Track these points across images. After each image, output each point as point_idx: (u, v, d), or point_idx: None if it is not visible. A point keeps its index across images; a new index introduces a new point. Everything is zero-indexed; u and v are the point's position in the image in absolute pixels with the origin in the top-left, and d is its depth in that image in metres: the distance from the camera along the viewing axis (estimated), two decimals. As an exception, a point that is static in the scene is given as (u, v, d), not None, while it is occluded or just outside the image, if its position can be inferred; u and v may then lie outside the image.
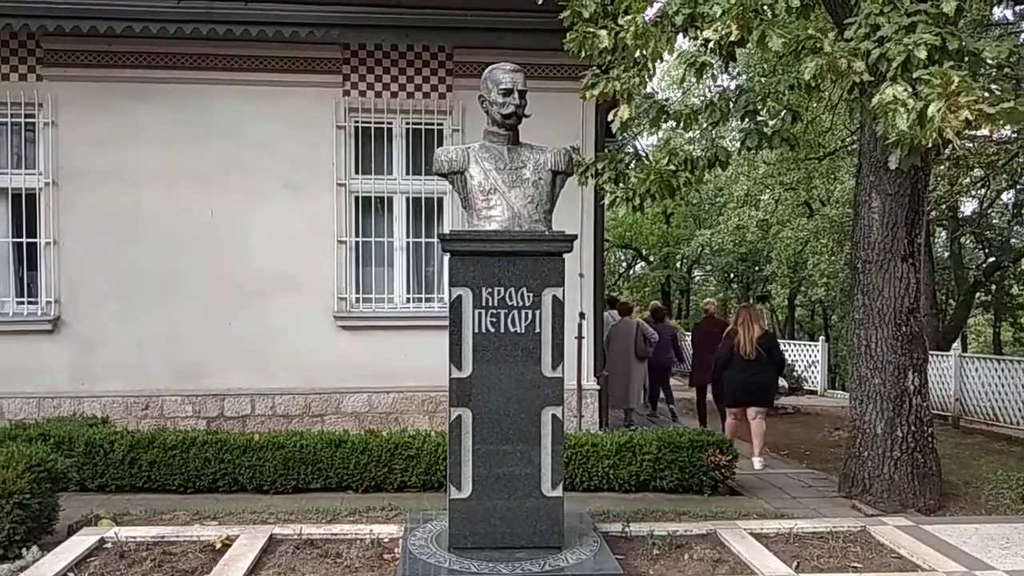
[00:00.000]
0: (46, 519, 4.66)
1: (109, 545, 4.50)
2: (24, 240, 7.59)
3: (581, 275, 7.85)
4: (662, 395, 11.43)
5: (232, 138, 7.64)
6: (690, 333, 12.40)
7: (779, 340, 10.47)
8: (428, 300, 8.11)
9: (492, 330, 3.93)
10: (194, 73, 7.60)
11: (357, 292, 7.98)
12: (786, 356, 10.70)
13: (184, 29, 7.19)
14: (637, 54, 4.36)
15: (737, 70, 16.32)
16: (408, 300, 8.09)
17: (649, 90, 5.34)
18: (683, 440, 6.42)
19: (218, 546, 4.46)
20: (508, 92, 4.00)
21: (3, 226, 7.58)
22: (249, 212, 7.71)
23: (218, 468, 6.02)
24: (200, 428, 7.30)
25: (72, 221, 7.53)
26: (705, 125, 5.08)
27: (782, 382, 8.53)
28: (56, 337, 7.55)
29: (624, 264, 32.41)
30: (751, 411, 7.84)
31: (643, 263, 30.51)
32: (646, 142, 23.69)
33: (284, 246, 7.74)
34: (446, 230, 7.91)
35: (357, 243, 7.98)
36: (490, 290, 3.92)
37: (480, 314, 3.93)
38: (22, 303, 7.64)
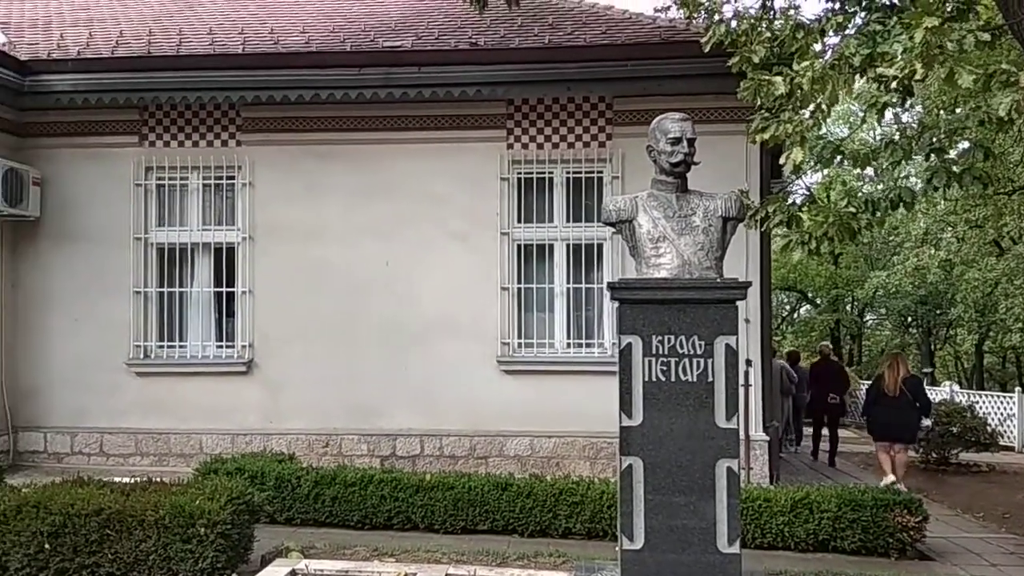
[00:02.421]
0: (243, 549, 5.02)
1: (299, 576, 4.80)
2: (224, 290, 8.39)
3: (747, 321, 7.59)
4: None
5: (406, 193, 8.12)
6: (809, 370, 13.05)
7: (963, 390, 11.13)
8: (588, 346, 8.14)
9: (663, 379, 3.90)
10: (372, 134, 8.17)
11: (519, 337, 8.16)
12: (976, 409, 12.06)
13: (364, 95, 7.79)
14: (816, 98, 4.26)
15: (909, 103, 15.41)
16: (568, 345, 8.17)
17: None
18: (866, 498, 6.02)
19: (397, 582, 4.63)
20: (677, 141, 4.02)
21: (207, 277, 8.43)
22: (420, 262, 8.12)
23: (393, 506, 6.28)
24: (374, 466, 7.66)
25: (264, 272, 8.25)
26: (885, 164, 4.86)
27: (927, 422, 9.56)
28: (249, 378, 8.24)
29: (788, 307, 31.01)
30: (896, 446, 8.80)
31: (809, 306, 29.06)
32: (809, 180, 22.78)
33: (452, 293, 8.07)
34: (606, 276, 8.00)
35: (519, 289, 8.18)
36: (660, 338, 3.91)
37: (650, 362, 3.92)
38: (221, 347, 8.42)
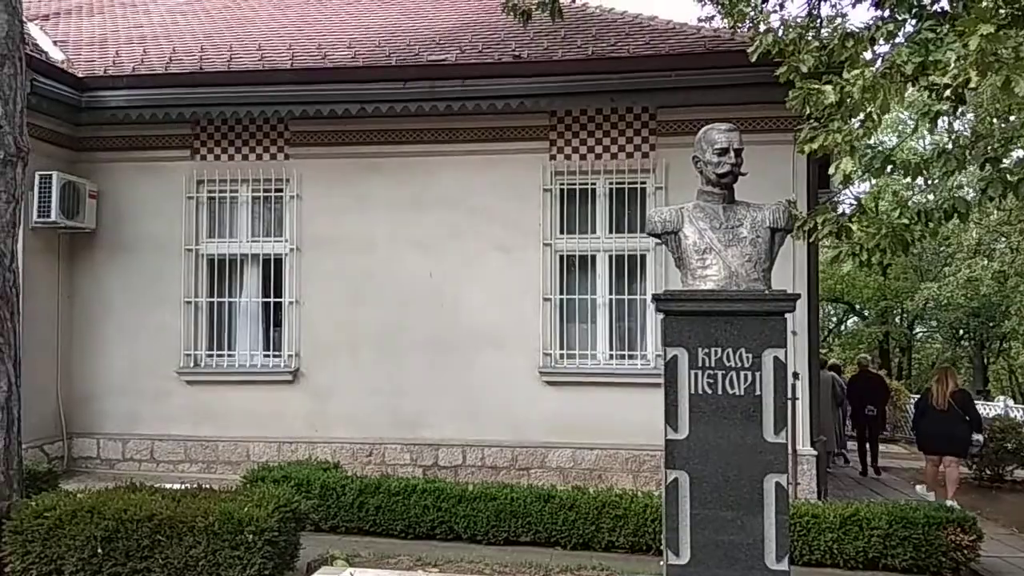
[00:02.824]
0: (290, 556, 5.08)
1: (344, 584, 4.84)
2: (271, 300, 8.54)
3: (794, 333, 7.47)
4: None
5: (450, 204, 8.19)
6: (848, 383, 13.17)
7: (1018, 405, 11.08)
8: (631, 357, 8.09)
9: (709, 391, 3.86)
10: (417, 147, 8.27)
11: (561, 348, 8.15)
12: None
13: (409, 108, 7.89)
14: (867, 107, 4.19)
15: (960, 111, 15.06)
16: (611, 357, 8.13)
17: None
18: (918, 516, 5.86)
19: (440, 593, 4.65)
20: (723, 151, 3.99)
21: (255, 288, 8.59)
22: (463, 272, 8.17)
23: (436, 516, 6.31)
24: (417, 475, 7.71)
25: (311, 282, 8.38)
26: (939, 174, 4.76)
27: (978, 437, 9.31)
28: (295, 387, 8.36)
29: (835, 319, 30.43)
30: (947, 459, 8.80)
31: (856, 318, 28.47)
32: (856, 190, 22.35)
33: (494, 304, 8.10)
34: (649, 287, 7.95)
35: (561, 300, 8.18)
36: (707, 351, 3.87)
37: (696, 375, 3.88)
38: (268, 356, 8.57)
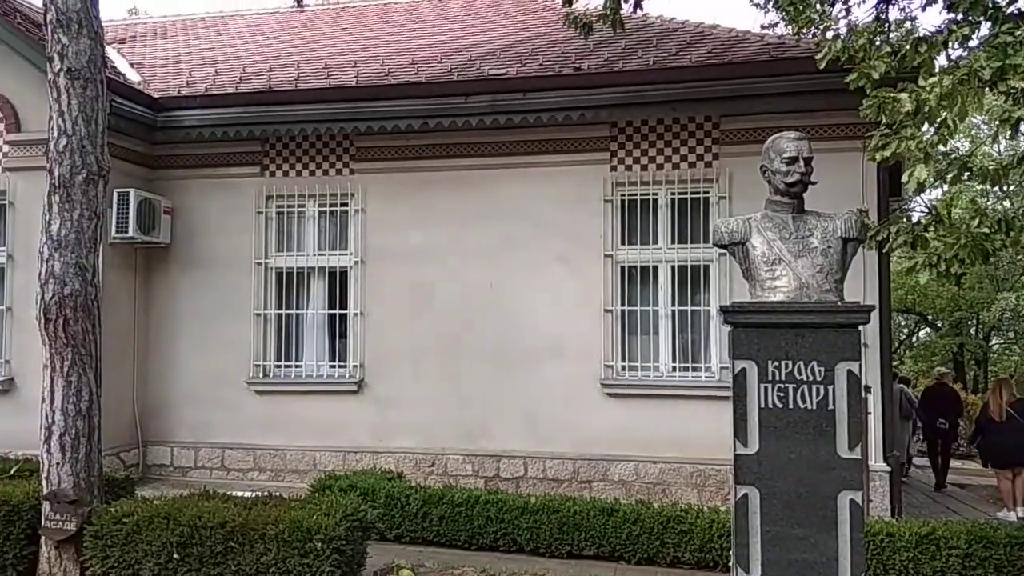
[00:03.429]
0: (357, 564, 5.15)
1: (409, 594, 4.89)
2: (337, 312, 8.71)
3: (866, 345, 7.28)
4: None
5: (511, 216, 8.24)
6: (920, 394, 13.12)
7: None
8: (695, 369, 7.98)
9: (780, 405, 3.78)
10: (478, 159, 8.34)
11: (623, 360, 8.09)
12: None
13: (471, 121, 7.98)
14: (943, 114, 4.06)
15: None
16: (674, 369, 8.03)
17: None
18: (999, 535, 5.61)
19: (505, 605, 4.65)
20: (793, 160, 3.91)
21: (321, 299, 8.78)
22: (524, 284, 8.19)
23: (499, 528, 6.31)
24: (478, 486, 7.74)
25: (375, 294, 8.52)
26: (1019, 181, 4.57)
27: None
28: (360, 397, 8.50)
29: (905, 331, 29.43)
30: (1017, 469, 8.84)
31: (929, 329, 27.49)
32: (928, 197, 21.63)
33: (555, 315, 8.10)
34: (713, 298, 7.84)
35: (623, 312, 8.12)
36: (777, 364, 3.79)
37: (766, 388, 3.80)
38: (334, 367, 8.73)
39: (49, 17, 5.43)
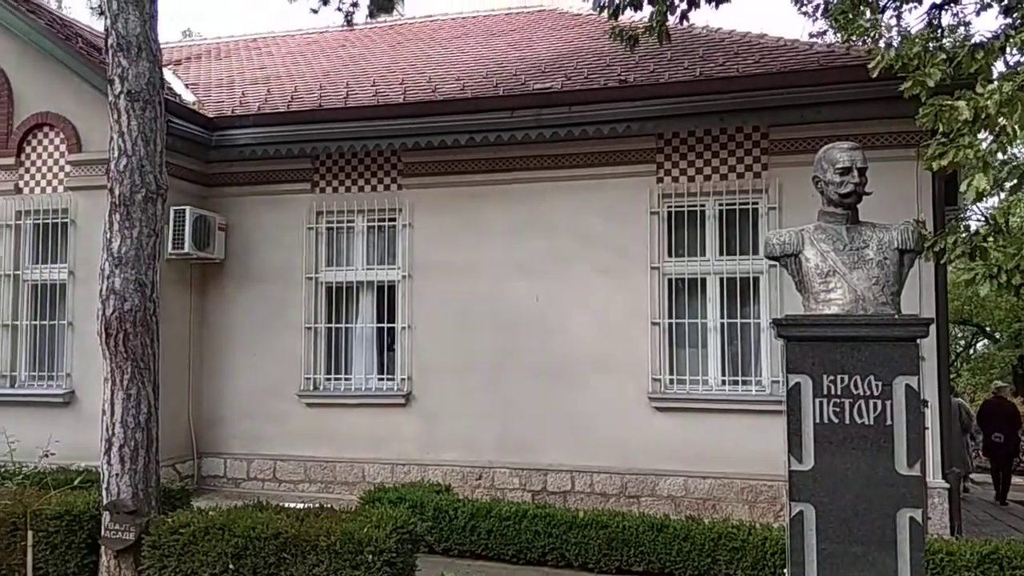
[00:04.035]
0: (406, 577, 5.20)
1: (458, 607, 4.89)
2: (384, 325, 8.81)
3: (923, 358, 7.08)
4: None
5: (556, 229, 8.24)
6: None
7: None
8: (744, 383, 7.86)
9: (835, 420, 3.70)
10: (524, 173, 8.38)
11: (671, 373, 8.01)
12: None
13: (516, 136, 8.02)
14: (1002, 121, 3.96)
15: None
16: (723, 382, 7.93)
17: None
18: (1068, 556, 5.40)
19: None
20: (846, 171, 3.85)
21: (370, 313, 8.89)
22: (571, 297, 8.18)
23: (547, 542, 6.29)
24: (525, 500, 7.72)
25: (422, 308, 8.59)
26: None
27: None
28: (407, 410, 8.56)
29: (962, 342, 28.57)
30: None
31: (987, 341, 26.65)
32: (984, 205, 21.02)
33: (601, 328, 8.06)
34: (763, 311, 7.73)
35: (670, 324, 8.05)
36: (832, 378, 3.71)
37: (821, 403, 3.73)
38: (382, 379, 8.82)
39: (110, 41, 5.64)
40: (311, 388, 8.87)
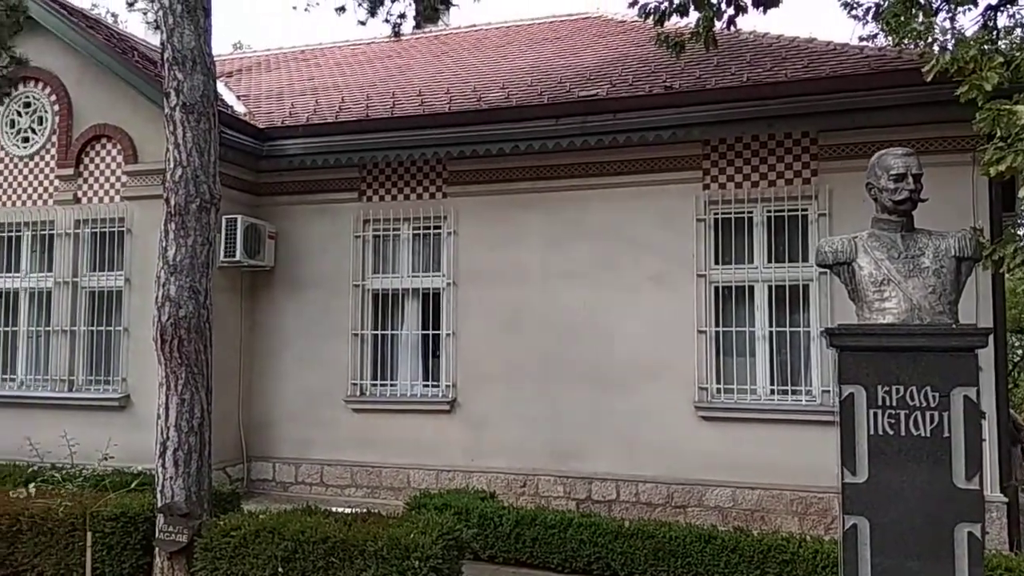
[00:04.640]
0: (451, 583, 5.22)
1: (504, 615, 4.89)
2: (430, 332, 8.87)
3: (980, 369, 6.88)
4: None
5: (602, 237, 8.22)
6: None
7: None
8: (794, 393, 7.73)
9: (891, 432, 3.63)
10: (568, 181, 8.37)
11: (718, 382, 7.91)
12: None
13: (562, 143, 8.03)
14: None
15: None
16: (771, 392, 7.80)
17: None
18: None
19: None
20: (901, 177, 3.78)
21: (415, 320, 8.97)
22: (616, 304, 8.14)
23: (592, 551, 6.25)
24: (570, 508, 7.70)
25: (467, 315, 8.63)
26: None
27: None
28: (452, 417, 8.61)
29: (1020, 351, 27.65)
30: None
31: (1047, 351, 25.71)
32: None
33: (647, 336, 8.00)
34: (813, 319, 7.60)
35: (717, 333, 7.96)
36: (887, 389, 3.64)
37: (875, 414, 3.66)
38: (427, 386, 8.88)
39: (166, 55, 5.80)
40: (358, 394, 8.98)
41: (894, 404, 3.63)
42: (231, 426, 9.00)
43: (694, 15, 6.91)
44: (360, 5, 8.82)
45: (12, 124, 9.39)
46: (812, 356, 7.63)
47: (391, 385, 8.97)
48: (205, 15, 5.93)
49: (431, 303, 8.88)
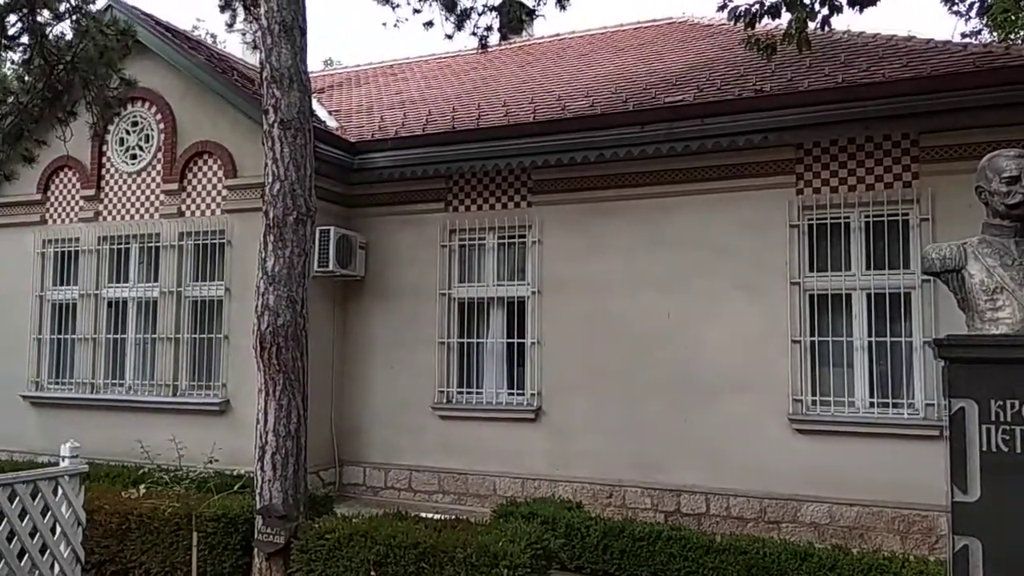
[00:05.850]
0: (540, 593, 5.22)
1: (593, 627, 4.85)
2: (515, 340, 8.91)
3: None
4: None
5: (688, 244, 8.09)
6: None
7: None
8: (895, 406, 7.39)
9: (1005, 449, 3.42)
10: (653, 188, 8.28)
11: (813, 394, 7.65)
12: None
13: (647, 150, 7.95)
14: None
15: None
16: (871, 405, 7.48)
17: None
18: None
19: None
20: (1014, 180, 3.57)
21: (500, 328, 9.03)
22: (703, 313, 7.99)
23: (682, 565, 6.13)
24: (658, 521, 7.56)
25: (551, 324, 8.64)
26: None
27: None
28: (537, 425, 8.61)
29: None
30: None
31: None
32: None
33: (737, 346, 7.82)
34: (915, 328, 7.26)
35: (812, 343, 7.69)
36: (1001, 403, 3.44)
37: (989, 430, 3.46)
38: (512, 394, 8.92)
39: (265, 74, 6.05)
40: (444, 401, 9.09)
41: (1009, 419, 3.42)
42: (323, 431, 9.25)
43: (786, 16, 6.74)
44: (447, 19, 8.98)
45: (121, 142, 9.96)
46: (915, 367, 7.29)
47: (476, 393, 9.06)
48: (301, 34, 6.15)
49: (516, 312, 8.92)
